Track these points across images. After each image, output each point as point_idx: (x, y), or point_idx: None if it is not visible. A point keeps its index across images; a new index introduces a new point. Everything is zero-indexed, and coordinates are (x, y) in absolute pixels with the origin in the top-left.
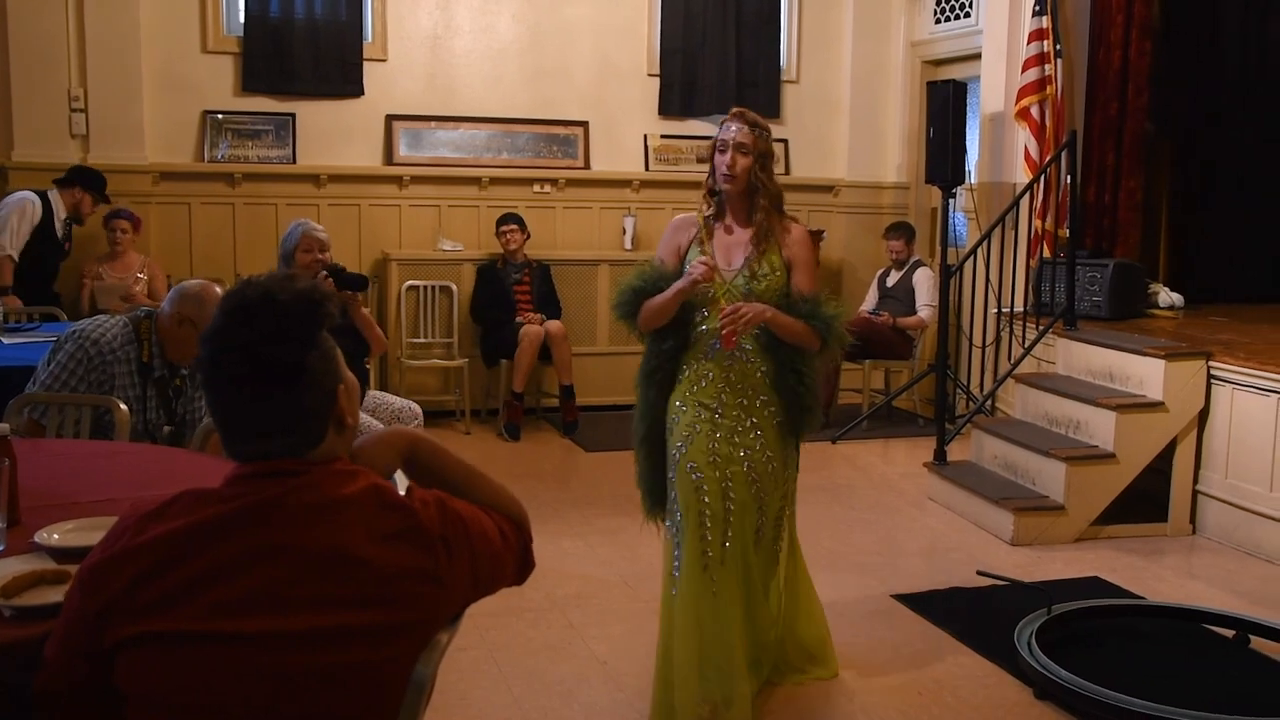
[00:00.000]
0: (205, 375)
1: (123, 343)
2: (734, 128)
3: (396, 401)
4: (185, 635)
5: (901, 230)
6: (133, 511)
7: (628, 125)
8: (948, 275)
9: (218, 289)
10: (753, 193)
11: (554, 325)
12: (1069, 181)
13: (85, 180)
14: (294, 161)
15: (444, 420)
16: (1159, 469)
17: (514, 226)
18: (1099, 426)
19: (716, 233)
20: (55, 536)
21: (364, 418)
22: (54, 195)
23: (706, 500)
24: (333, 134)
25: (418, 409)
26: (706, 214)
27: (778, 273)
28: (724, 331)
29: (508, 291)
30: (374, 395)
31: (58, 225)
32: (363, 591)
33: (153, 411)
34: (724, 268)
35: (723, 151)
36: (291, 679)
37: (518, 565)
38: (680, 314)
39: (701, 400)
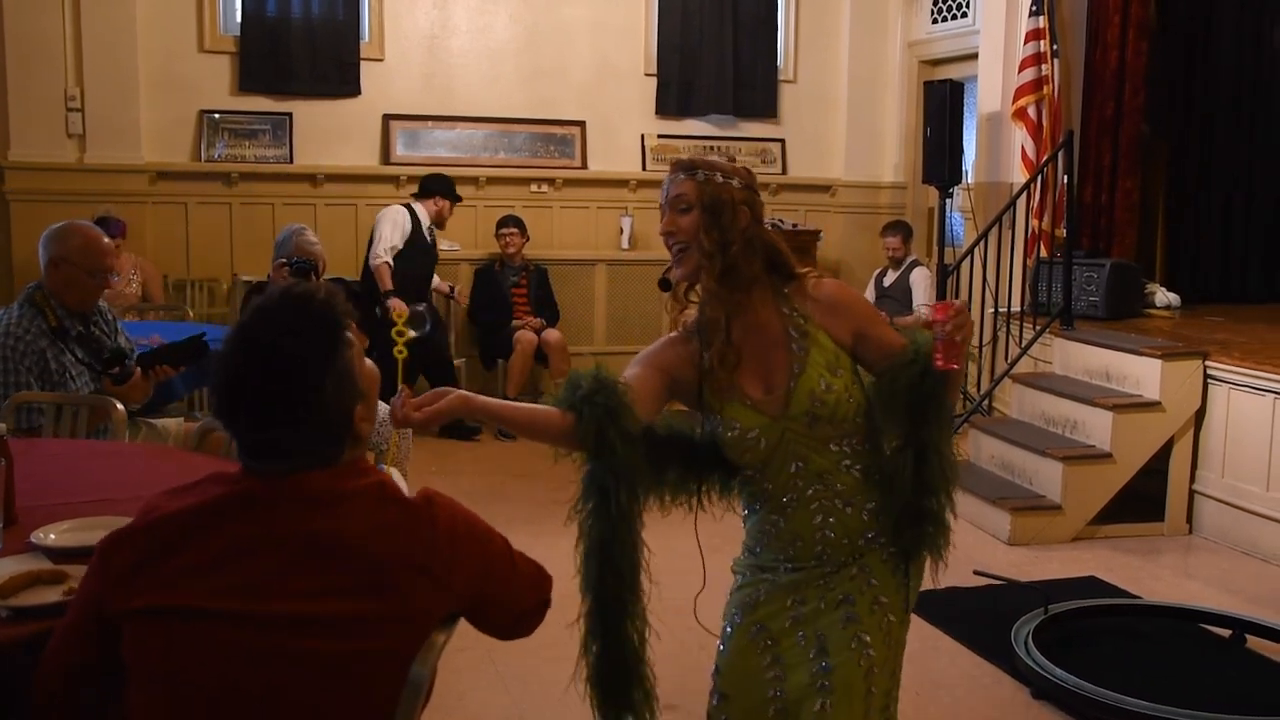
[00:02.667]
0: (218, 400)
1: (30, 321)
2: (668, 179)
3: (386, 411)
4: (191, 611)
5: (898, 228)
6: (161, 493)
7: (625, 125)
8: (945, 275)
9: (79, 221)
10: (713, 265)
11: (552, 335)
12: (1066, 181)
13: (442, 188)
14: (291, 161)
15: None
16: (1156, 469)
17: (514, 230)
18: (1096, 426)
19: (725, 351)
20: (51, 536)
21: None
22: (418, 206)
23: (783, 682)
24: (330, 133)
25: None
26: (692, 327)
27: (843, 368)
28: (956, 338)
29: (505, 294)
30: None
31: (425, 233)
32: (359, 580)
33: (88, 372)
34: (758, 398)
35: (662, 217)
36: (287, 665)
37: (536, 599)
38: (698, 458)
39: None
